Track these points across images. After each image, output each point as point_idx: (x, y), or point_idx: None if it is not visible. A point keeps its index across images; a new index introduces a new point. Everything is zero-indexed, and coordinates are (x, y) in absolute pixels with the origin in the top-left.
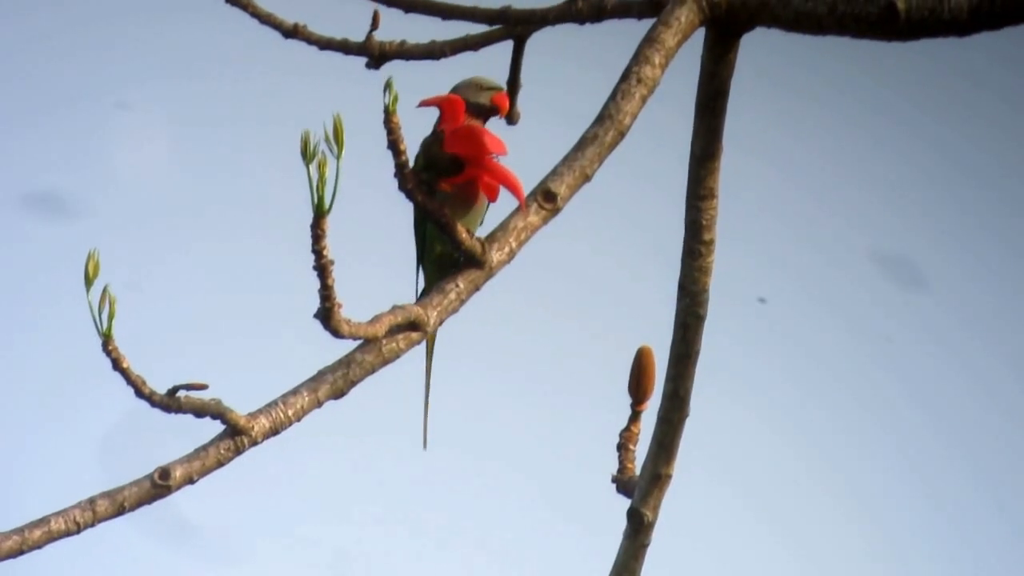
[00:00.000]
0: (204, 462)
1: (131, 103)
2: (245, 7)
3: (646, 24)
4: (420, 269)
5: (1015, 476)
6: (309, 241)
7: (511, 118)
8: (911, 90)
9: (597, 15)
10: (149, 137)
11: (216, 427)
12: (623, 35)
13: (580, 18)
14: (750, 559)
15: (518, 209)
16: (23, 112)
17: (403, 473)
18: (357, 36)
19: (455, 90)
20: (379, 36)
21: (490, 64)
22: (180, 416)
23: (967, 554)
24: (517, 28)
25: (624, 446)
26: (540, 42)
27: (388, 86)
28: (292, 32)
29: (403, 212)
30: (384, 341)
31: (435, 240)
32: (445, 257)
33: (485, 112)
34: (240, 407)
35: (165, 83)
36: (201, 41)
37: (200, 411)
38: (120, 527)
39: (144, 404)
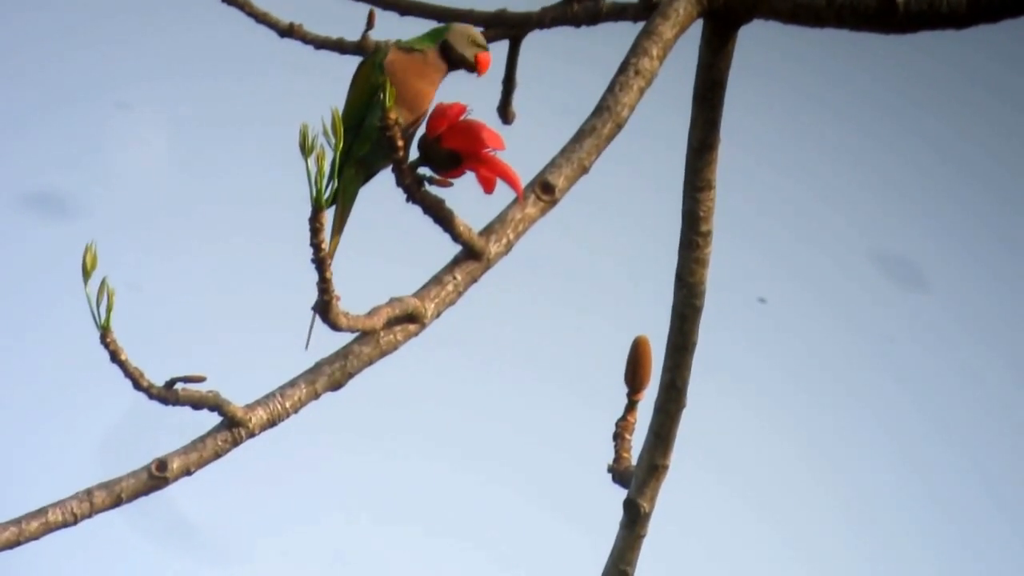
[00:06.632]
0: (202, 453)
1: (131, 103)
2: (241, 7)
3: (642, 24)
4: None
5: (1015, 476)
6: (308, 235)
7: (507, 117)
8: (911, 88)
9: (592, 18)
10: (149, 137)
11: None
12: (619, 33)
13: (576, 21)
14: (746, 551)
15: (516, 201)
16: (23, 112)
17: (401, 470)
18: (353, 36)
19: (448, 28)
20: (375, 35)
21: None
22: (178, 410)
23: (966, 554)
24: (513, 30)
25: (620, 435)
26: (536, 40)
27: (384, 84)
28: (288, 31)
29: (400, 207)
30: (382, 333)
31: (367, 139)
32: (374, 153)
33: (463, 65)
34: (241, 401)
35: (165, 83)
36: (201, 41)
37: (198, 403)
38: (120, 526)
39: (142, 398)
